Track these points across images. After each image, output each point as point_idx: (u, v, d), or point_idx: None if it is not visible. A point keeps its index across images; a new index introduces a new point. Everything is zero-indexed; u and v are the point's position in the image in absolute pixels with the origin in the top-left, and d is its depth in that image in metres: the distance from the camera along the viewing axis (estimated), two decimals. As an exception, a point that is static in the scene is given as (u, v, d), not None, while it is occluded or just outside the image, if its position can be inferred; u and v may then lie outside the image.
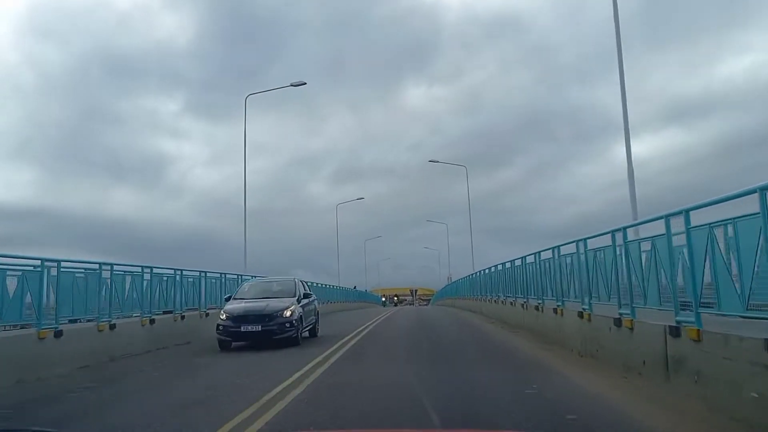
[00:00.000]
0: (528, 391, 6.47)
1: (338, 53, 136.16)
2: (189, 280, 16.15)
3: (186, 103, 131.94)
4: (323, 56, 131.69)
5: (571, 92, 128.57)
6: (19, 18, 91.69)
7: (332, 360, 9.92)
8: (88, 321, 11.16)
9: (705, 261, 5.57)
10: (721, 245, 5.47)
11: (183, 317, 14.95)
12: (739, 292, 5.13)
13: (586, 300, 9.35)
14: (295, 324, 12.53)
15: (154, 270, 13.83)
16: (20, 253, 9.93)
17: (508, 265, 17.60)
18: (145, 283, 13.30)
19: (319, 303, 16.64)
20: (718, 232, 5.51)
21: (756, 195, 4.73)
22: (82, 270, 11.36)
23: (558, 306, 11.25)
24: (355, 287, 43.43)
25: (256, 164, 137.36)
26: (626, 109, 13.33)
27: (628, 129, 13.24)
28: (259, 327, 12.11)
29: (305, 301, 13.97)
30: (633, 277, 7.25)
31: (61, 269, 10.29)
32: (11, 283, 9.09)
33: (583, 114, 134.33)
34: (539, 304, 12.98)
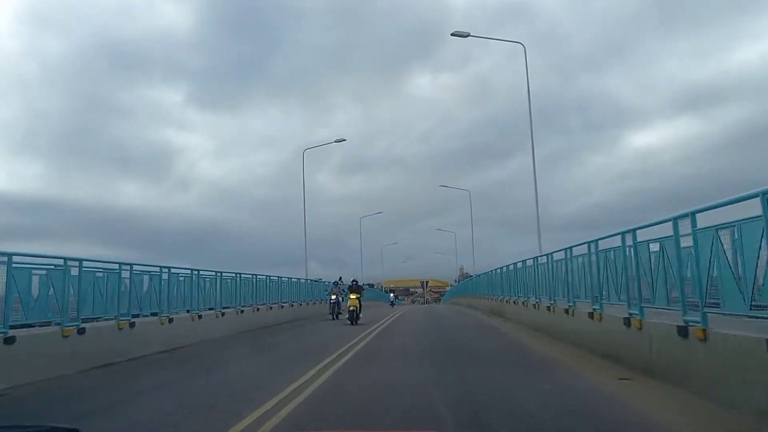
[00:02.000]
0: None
1: (342, 42, 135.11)
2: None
3: (189, 95, 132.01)
4: (327, 45, 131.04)
5: (581, 81, 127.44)
6: (18, 6, 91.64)
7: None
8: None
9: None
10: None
11: (200, 317, 15.48)
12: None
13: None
14: None
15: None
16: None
17: (559, 255, 12.78)
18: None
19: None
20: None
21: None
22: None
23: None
24: (339, 280, 30.51)
25: (263, 156, 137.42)
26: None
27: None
28: None
29: None
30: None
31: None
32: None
33: (593, 103, 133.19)
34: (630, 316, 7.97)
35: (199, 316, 15.38)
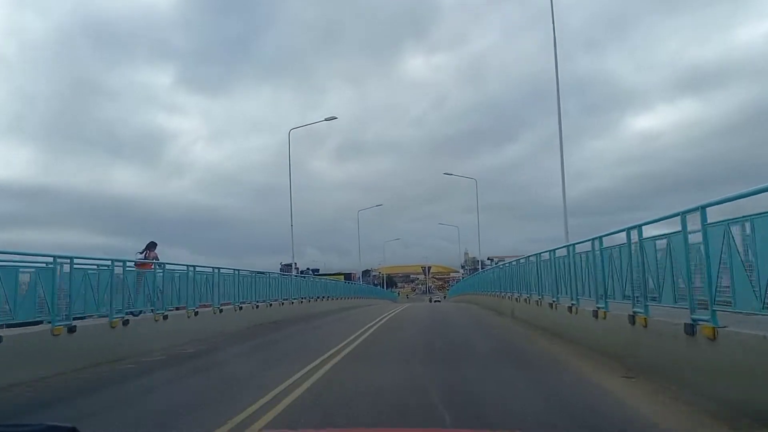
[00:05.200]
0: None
1: (332, 20, 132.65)
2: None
3: (177, 77, 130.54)
4: (316, 23, 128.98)
5: (580, 61, 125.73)
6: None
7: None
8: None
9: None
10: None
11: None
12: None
13: None
14: None
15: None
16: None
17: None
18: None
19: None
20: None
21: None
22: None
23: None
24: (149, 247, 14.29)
25: (257, 141, 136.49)
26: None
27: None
28: None
29: None
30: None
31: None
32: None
33: (592, 84, 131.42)
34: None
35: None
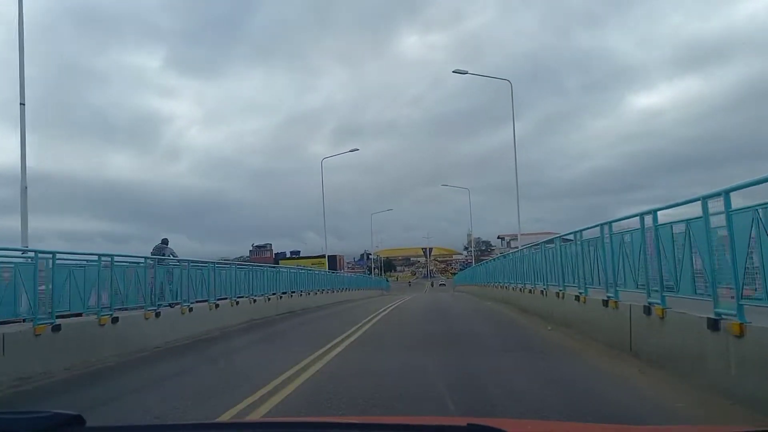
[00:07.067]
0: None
1: None
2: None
3: (167, 59, 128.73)
4: (308, 1, 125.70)
5: (580, 37, 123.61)
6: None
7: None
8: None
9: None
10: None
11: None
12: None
13: None
14: None
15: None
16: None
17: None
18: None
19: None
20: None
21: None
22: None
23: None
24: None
25: (252, 124, 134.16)
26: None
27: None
28: None
29: None
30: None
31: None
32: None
33: (593, 61, 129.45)
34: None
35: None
